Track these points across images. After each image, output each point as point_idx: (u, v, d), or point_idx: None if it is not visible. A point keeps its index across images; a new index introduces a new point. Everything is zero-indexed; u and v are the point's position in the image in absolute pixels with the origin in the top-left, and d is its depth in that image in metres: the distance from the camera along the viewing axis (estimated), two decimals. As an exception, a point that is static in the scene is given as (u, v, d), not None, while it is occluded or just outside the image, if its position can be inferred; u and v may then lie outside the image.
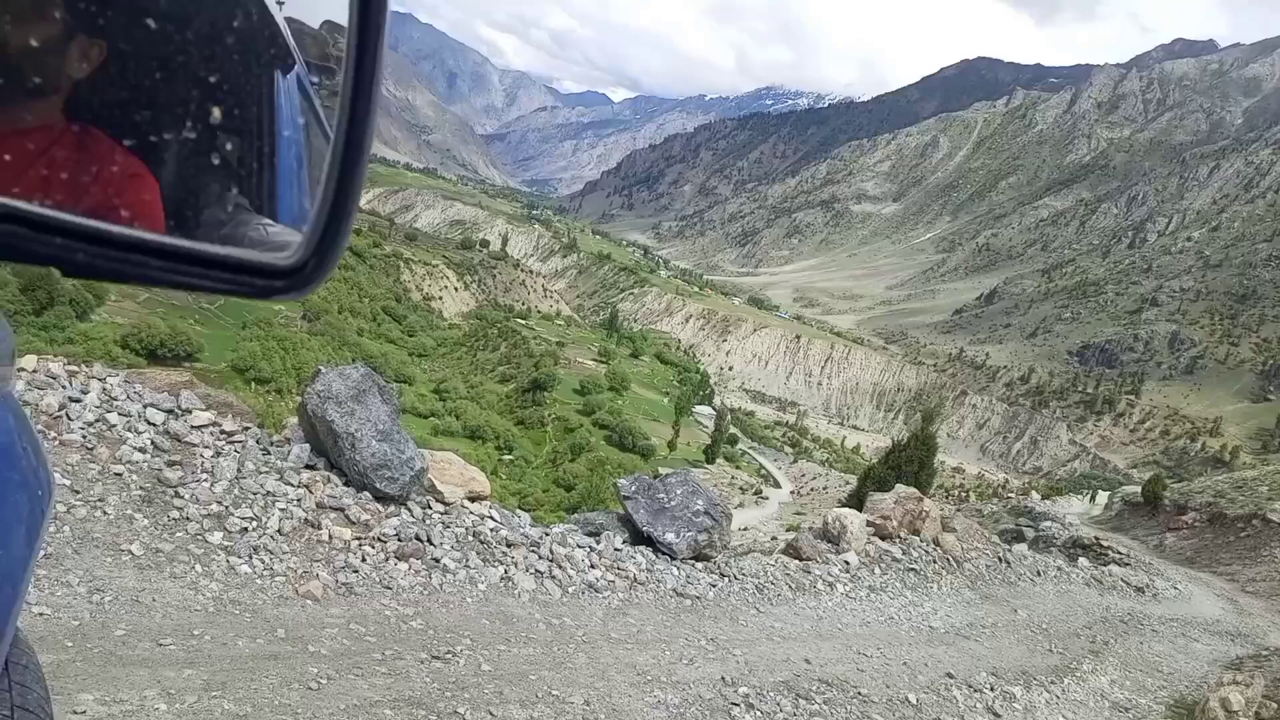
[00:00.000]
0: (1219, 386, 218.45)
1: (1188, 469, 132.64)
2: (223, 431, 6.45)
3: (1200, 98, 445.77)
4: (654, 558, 7.86)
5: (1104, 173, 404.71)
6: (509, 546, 6.84)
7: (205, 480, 5.82)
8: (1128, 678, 9.36)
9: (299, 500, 6.02)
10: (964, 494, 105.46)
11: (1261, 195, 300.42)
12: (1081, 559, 16.64)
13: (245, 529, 5.52)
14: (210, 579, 4.96)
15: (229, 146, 0.94)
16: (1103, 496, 37.01)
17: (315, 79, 1.22)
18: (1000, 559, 12.51)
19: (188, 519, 5.41)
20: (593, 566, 7.21)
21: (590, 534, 8.00)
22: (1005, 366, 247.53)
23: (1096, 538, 22.16)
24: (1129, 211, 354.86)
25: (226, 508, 5.63)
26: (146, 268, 0.77)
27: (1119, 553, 20.21)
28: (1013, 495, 49.16)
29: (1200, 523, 25.53)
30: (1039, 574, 12.89)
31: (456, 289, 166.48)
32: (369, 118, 0.89)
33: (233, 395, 7.45)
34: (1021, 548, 14.39)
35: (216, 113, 0.91)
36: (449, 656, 4.83)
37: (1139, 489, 30.90)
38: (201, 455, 6.04)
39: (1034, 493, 44.40)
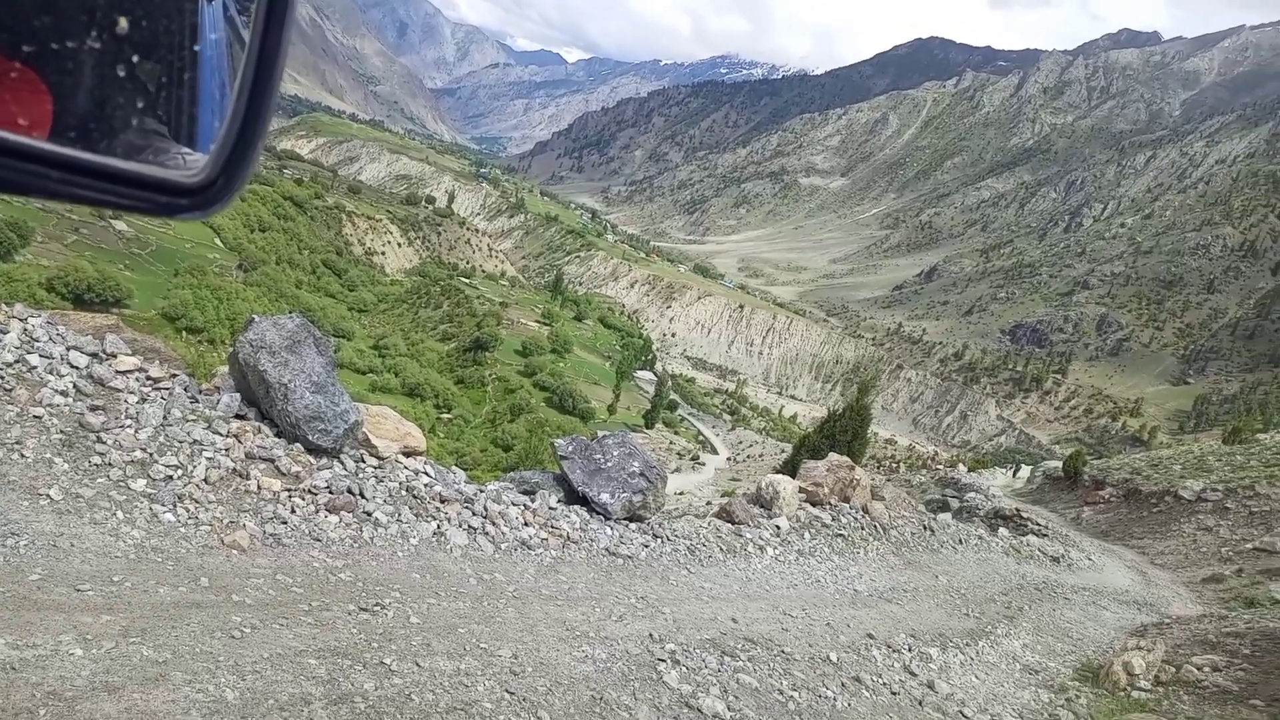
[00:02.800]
0: (1142, 369, 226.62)
1: (1108, 447, 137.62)
2: (149, 377, 6.29)
3: (1142, 88, 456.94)
4: (588, 517, 7.92)
5: (1045, 157, 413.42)
6: (443, 502, 6.83)
7: (129, 426, 5.68)
8: (1039, 642, 9.77)
9: (227, 450, 5.92)
10: (895, 464, 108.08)
11: (1193, 185, 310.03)
12: (1002, 529, 17.26)
13: (170, 477, 5.41)
14: (132, 526, 4.86)
15: (138, 62, 0.90)
16: (1025, 470, 38.26)
17: (242, 8, 1.19)
18: (925, 527, 12.90)
19: (110, 465, 5.29)
20: (526, 524, 7.24)
21: (526, 492, 8.03)
22: (941, 342, 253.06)
23: (1017, 509, 22.96)
24: (1067, 196, 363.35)
25: (151, 455, 5.50)
26: (45, 179, 0.75)
27: (1038, 524, 20.99)
28: (941, 467, 50.52)
29: (1116, 498, 26.56)
30: (961, 542, 13.33)
31: (400, 245, 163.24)
32: (283, 30, 0.87)
33: (160, 341, 7.24)
34: (946, 517, 14.85)
35: (123, 23, 0.86)
36: (377, 609, 4.83)
37: (1060, 464, 32.01)
38: (126, 401, 5.89)
39: (961, 465, 45.64)
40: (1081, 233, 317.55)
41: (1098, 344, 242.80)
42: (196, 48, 1.03)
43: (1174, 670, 8.95)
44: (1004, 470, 43.33)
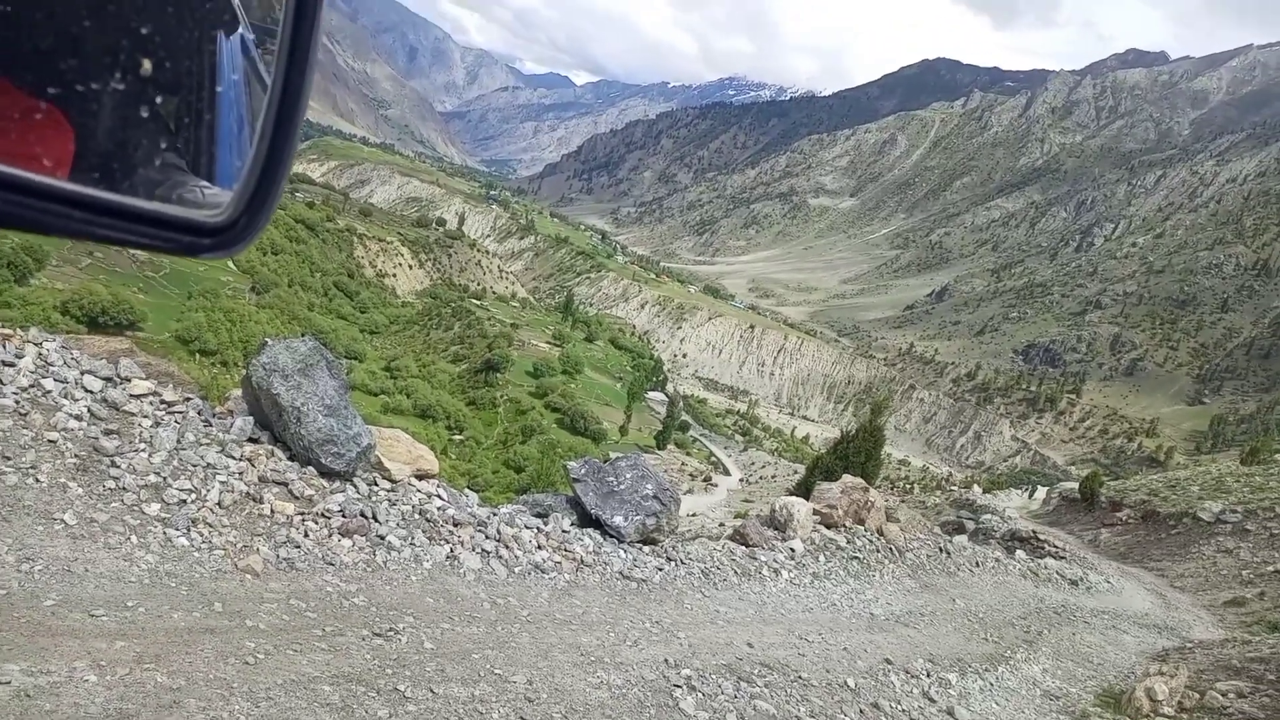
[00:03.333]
0: (1157, 389, 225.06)
1: (1124, 467, 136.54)
2: (163, 401, 6.30)
3: (1150, 107, 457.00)
4: (601, 540, 7.87)
5: (1055, 176, 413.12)
6: (455, 525, 6.79)
7: (143, 450, 5.68)
8: (1059, 667, 9.64)
9: (240, 473, 5.91)
10: (909, 486, 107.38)
11: (1204, 205, 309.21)
12: (1019, 551, 17.07)
13: (184, 501, 5.41)
14: (146, 550, 4.85)
15: (161, 102, 0.91)
16: (1041, 492, 37.96)
17: (259, 42, 1.18)
18: (941, 549, 12.77)
19: (124, 489, 5.28)
20: (540, 547, 7.20)
21: (538, 515, 7.99)
22: (953, 363, 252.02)
23: (1034, 531, 22.73)
24: (1077, 215, 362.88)
25: (165, 479, 5.50)
26: (68, 219, 0.75)
27: (1055, 546, 20.76)
28: (955, 488, 50.20)
29: (1134, 519, 26.29)
30: (978, 565, 13.19)
31: (411, 267, 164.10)
32: (306, 73, 0.87)
33: (174, 365, 7.29)
34: (962, 539, 14.68)
35: (147, 65, 0.87)
36: (391, 634, 4.79)
37: (1077, 485, 31.71)
38: (140, 425, 5.90)
39: (976, 486, 45.34)
40: (1093, 252, 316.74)
41: (1112, 364, 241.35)
42: (219, 88, 1.02)
43: (1198, 696, 8.80)
44: (1019, 491, 43.02)
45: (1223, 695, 8.85)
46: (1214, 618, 16.97)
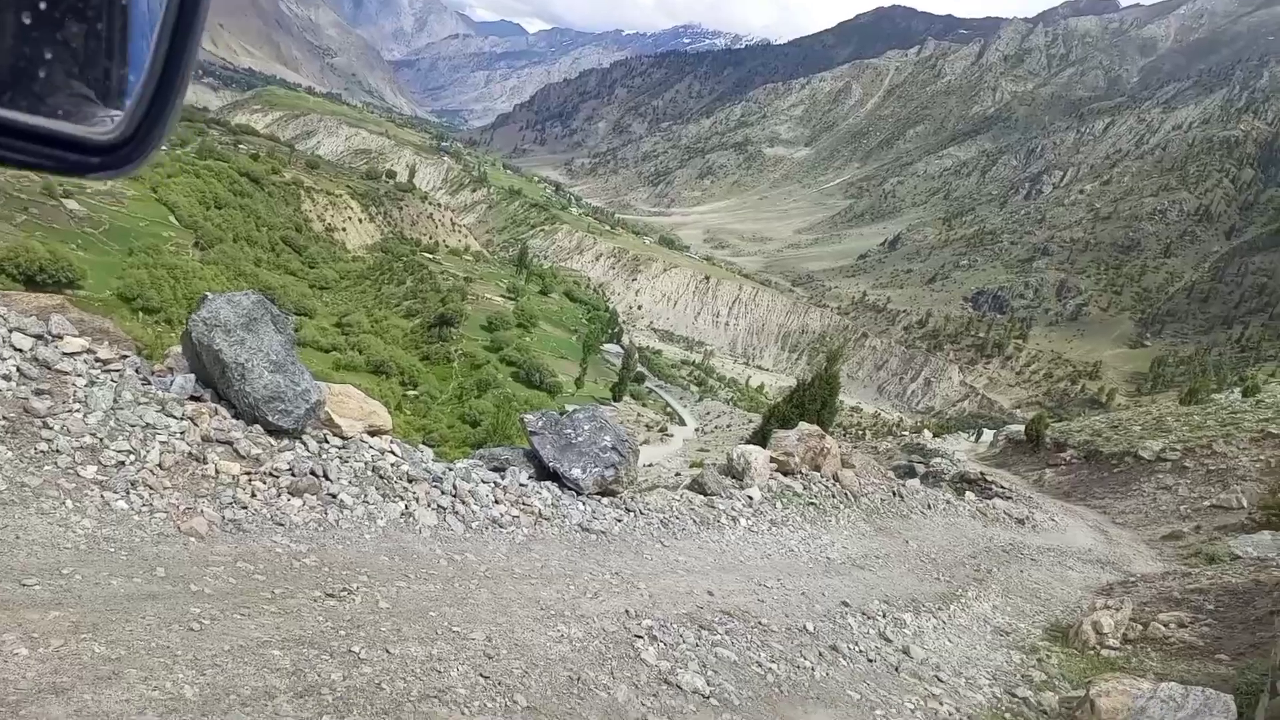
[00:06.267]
0: (1100, 333, 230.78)
1: (1068, 410, 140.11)
2: (98, 359, 6.02)
3: (1100, 55, 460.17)
4: (560, 493, 7.80)
5: (1006, 125, 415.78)
6: (410, 482, 6.66)
7: (78, 411, 5.42)
8: (1008, 603, 9.89)
9: (182, 433, 5.69)
10: (861, 432, 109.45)
11: (1150, 152, 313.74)
12: (968, 493, 17.46)
13: (122, 463, 5.18)
14: (83, 515, 4.64)
15: (59, 14, 0.82)
16: (988, 435, 38.82)
17: None
18: (894, 493, 12.98)
19: (58, 451, 5.04)
20: (497, 502, 7.10)
21: (495, 469, 7.88)
22: (904, 310, 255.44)
23: (982, 473, 23.29)
24: (1027, 163, 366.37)
25: (101, 440, 5.27)
26: None
27: (1002, 487, 21.31)
28: (906, 433, 51.17)
29: (1077, 459, 27.05)
30: (929, 507, 13.45)
31: (361, 220, 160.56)
32: None
33: (109, 321, 6.94)
34: (914, 482, 14.96)
35: None
36: (344, 594, 4.67)
37: (1023, 428, 32.51)
38: (74, 384, 5.62)
39: (926, 431, 46.26)
40: (1041, 200, 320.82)
41: (1057, 309, 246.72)
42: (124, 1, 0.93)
43: (1141, 628, 9.08)
44: (967, 435, 43.90)
45: (1165, 626, 9.15)
46: (1153, 551, 17.59)
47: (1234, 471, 21.94)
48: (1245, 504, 19.70)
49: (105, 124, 0.83)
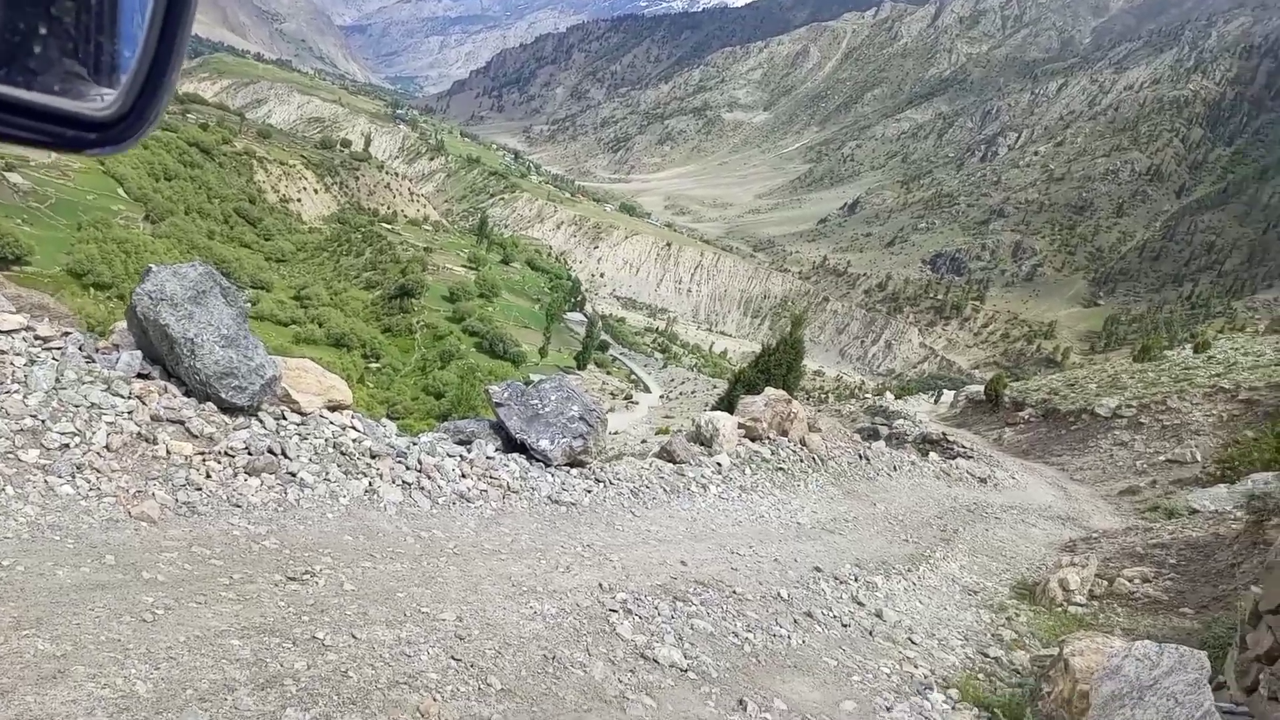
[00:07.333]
0: (1055, 292, 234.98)
1: (1024, 369, 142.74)
2: (37, 337, 5.72)
3: (1054, 15, 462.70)
4: (528, 465, 7.65)
5: (962, 87, 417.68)
6: (373, 458, 6.46)
7: (16, 391, 5.13)
8: (975, 562, 9.98)
9: (130, 413, 5.42)
10: (825, 395, 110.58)
11: (1103, 112, 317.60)
12: (931, 453, 17.64)
13: (66, 445, 4.92)
14: (25, 502, 4.39)
15: None
16: (948, 395, 39.25)
17: None
18: (861, 456, 13.03)
19: (-5, 435, 4.77)
20: (464, 476, 6.93)
21: (461, 443, 7.70)
22: (864, 274, 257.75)
23: (944, 434, 23.59)
24: (983, 125, 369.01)
25: (43, 422, 4.99)
26: None
27: (964, 447, 21.61)
28: (869, 396, 51.64)
29: (1035, 418, 27.49)
30: (895, 469, 13.54)
31: (316, 191, 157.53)
32: None
33: (49, 297, 6.61)
34: (879, 445, 15.02)
35: None
36: (307, 577, 4.48)
37: (981, 388, 32.94)
38: (12, 363, 5.32)
39: (888, 393, 46.65)
40: (997, 162, 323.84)
41: (1013, 270, 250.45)
42: None
43: (1107, 584, 9.21)
44: (928, 396, 44.37)
45: (1130, 581, 9.30)
46: (1111, 506, 17.95)
47: (1188, 426, 22.40)
48: (1199, 458, 20.13)
49: (101, 100, 0.83)
